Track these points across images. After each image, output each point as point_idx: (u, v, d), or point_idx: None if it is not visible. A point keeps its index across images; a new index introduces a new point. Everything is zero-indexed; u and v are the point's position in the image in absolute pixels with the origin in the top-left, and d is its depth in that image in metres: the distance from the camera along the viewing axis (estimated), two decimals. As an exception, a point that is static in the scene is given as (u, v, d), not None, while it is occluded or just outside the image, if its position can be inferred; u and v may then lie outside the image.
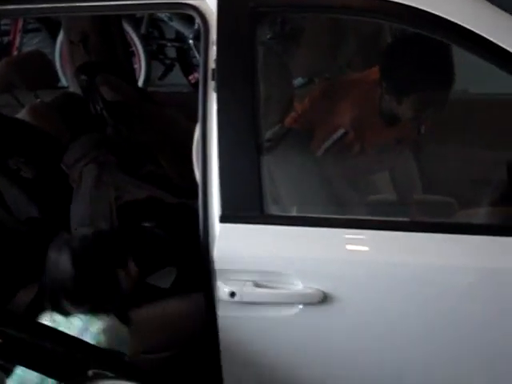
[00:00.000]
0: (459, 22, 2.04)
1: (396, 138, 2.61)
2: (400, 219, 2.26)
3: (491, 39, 2.02)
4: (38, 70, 3.62)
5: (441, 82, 2.43)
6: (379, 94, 2.49)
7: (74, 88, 3.97)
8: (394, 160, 2.68)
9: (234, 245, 2.17)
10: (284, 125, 2.47)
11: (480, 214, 2.34)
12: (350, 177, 2.55)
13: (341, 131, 2.52)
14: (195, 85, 5.71)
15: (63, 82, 5.57)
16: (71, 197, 3.08)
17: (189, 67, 6.32)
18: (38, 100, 3.70)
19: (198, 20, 2.21)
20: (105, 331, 2.26)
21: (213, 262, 2.16)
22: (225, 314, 2.19)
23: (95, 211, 2.94)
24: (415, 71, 2.44)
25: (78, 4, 2.33)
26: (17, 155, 3.15)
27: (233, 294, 2.15)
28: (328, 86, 2.75)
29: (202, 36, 2.19)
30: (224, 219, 2.17)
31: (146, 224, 2.99)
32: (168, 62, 6.56)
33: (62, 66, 6.21)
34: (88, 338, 2.22)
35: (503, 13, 2.07)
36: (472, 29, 2.03)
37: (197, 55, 5.91)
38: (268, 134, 2.29)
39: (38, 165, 3.16)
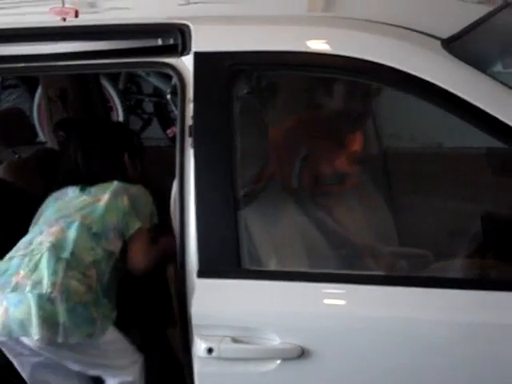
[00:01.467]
0: (432, 80, 2.08)
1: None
2: (376, 273, 2.28)
3: (461, 95, 2.06)
4: (16, 126, 3.64)
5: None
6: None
7: (52, 144, 3.99)
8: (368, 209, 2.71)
9: (211, 300, 2.17)
10: (261, 179, 2.49)
11: (455, 267, 2.35)
12: (326, 228, 2.57)
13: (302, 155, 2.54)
14: (173, 139, 5.73)
15: (41, 137, 5.59)
16: None
17: (167, 121, 6.37)
18: (16, 156, 3.71)
19: (174, 78, 2.24)
20: None
21: (190, 317, 2.16)
22: (202, 370, 2.18)
23: None
24: None
25: (56, 63, 2.35)
26: None
27: (210, 350, 2.14)
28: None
29: (179, 93, 2.22)
30: (201, 274, 2.18)
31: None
32: (146, 116, 6.61)
33: (39, 121, 6.24)
34: None
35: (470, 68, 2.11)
36: (443, 86, 2.07)
37: (174, 109, 5.97)
38: (245, 189, 2.31)
39: (7, 225, 3.15)
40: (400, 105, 2.46)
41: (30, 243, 2.71)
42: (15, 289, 2.55)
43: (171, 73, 2.25)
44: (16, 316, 2.50)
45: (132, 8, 2.87)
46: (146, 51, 2.29)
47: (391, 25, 2.24)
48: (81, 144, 3.05)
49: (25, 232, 2.86)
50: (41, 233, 2.75)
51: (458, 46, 2.17)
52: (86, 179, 2.96)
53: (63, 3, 2.35)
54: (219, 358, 2.15)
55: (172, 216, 2.43)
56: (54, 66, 2.37)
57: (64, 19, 2.32)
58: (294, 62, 2.21)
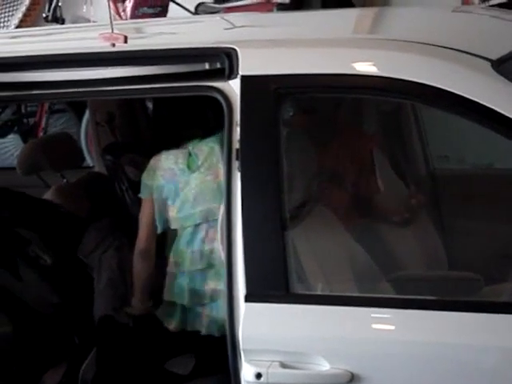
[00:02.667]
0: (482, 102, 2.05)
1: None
2: (426, 297, 2.25)
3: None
4: (64, 151, 3.68)
5: None
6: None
7: (99, 168, 4.02)
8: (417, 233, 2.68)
9: (259, 325, 2.16)
10: (308, 202, 2.48)
11: (506, 291, 2.31)
12: (375, 252, 2.55)
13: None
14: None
15: (89, 161, 5.65)
16: (90, 283, 3.11)
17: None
18: (64, 180, 3.75)
19: (221, 102, 2.25)
20: None
21: (238, 342, 2.15)
22: (251, 395, 2.17)
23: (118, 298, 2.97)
24: None
25: (103, 88, 2.38)
26: (35, 241, 3.18)
27: (259, 376, 2.12)
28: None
29: (225, 117, 2.23)
30: (249, 298, 2.17)
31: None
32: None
33: (87, 146, 6.31)
34: None
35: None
36: (490, 106, 2.05)
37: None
38: (292, 212, 2.30)
39: (56, 250, 3.19)
40: (450, 127, 2.44)
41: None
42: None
43: (218, 96, 2.26)
44: None
45: (179, 33, 2.90)
46: (194, 75, 2.30)
47: (439, 46, 2.22)
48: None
49: (71, 253, 2.90)
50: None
51: (508, 67, 2.15)
52: None
53: (112, 29, 2.37)
54: (268, 383, 2.13)
55: (219, 240, 2.43)
56: (102, 90, 2.40)
57: (113, 45, 2.34)
58: (340, 84, 2.21)
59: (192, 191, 2.84)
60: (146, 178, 2.95)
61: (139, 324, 3.00)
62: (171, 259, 2.91)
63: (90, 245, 3.23)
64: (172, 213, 2.89)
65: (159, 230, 2.92)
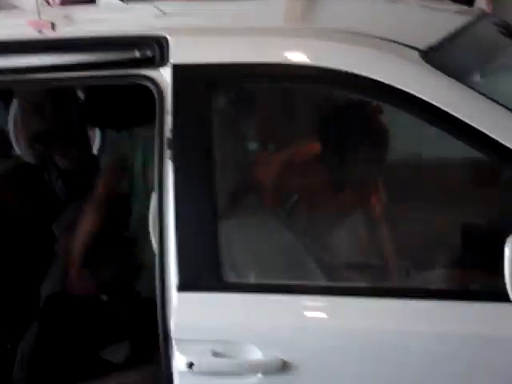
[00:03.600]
0: (408, 90, 2.08)
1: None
2: (357, 284, 2.27)
3: (440, 106, 2.06)
4: None
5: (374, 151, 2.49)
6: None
7: (27, 157, 3.95)
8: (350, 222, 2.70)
9: (191, 314, 2.15)
10: (241, 191, 2.48)
11: (435, 278, 2.35)
12: (308, 240, 2.56)
13: (295, 196, 2.54)
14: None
15: (17, 150, 5.53)
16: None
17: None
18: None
19: (153, 90, 2.22)
20: None
21: (170, 331, 2.14)
22: (184, 384, 2.16)
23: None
24: (351, 138, 2.49)
25: (31, 76, 2.33)
26: None
27: (191, 365, 2.12)
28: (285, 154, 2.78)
29: (157, 106, 2.21)
30: (181, 288, 2.16)
31: (103, 297, 2.98)
32: (123, 128, 6.56)
33: (15, 134, 6.17)
34: None
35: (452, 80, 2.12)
36: (421, 96, 2.08)
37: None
38: (225, 201, 2.30)
39: None
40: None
41: None
42: None
43: (150, 85, 2.23)
44: None
45: (108, 20, 2.86)
46: (123, 64, 2.27)
47: (369, 35, 2.24)
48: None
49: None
50: None
51: (436, 56, 2.18)
52: None
53: (39, 16, 2.33)
54: (200, 373, 2.13)
55: (151, 229, 2.41)
56: (30, 79, 2.35)
57: (40, 31, 2.30)
58: (273, 73, 2.21)
59: None
60: None
61: (84, 305, 2.98)
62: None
63: (64, 223, 3.20)
64: None
65: None
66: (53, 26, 2.30)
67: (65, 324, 2.91)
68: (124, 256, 3.18)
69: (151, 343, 2.51)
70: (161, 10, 2.62)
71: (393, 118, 2.36)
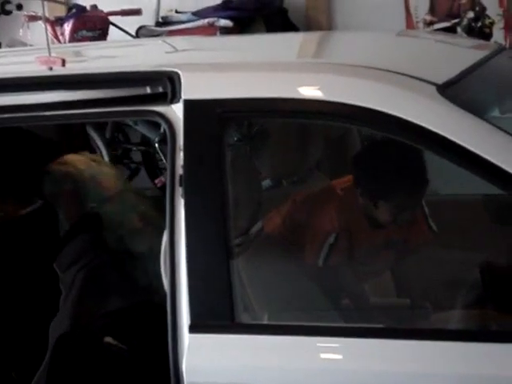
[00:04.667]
0: (428, 127, 2.04)
1: (384, 241, 2.59)
2: (373, 325, 2.22)
3: (458, 142, 2.02)
4: None
5: (414, 184, 2.44)
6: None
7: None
8: (383, 264, 2.65)
9: (204, 356, 2.10)
10: (253, 229, 2.45)
11: (455, 318, 2.30)
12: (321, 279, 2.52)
13: (333, 236, 2.50)
14: (161, 188, 5.69)
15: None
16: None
17: (154, 171, 6.31)
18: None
19: (164, 126, 2.19)
20: None
21: (182, 374, 2.09)
22: (196, 429, 2.10)
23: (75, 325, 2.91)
24: (388, 175, 2.44)
25: (42, 114, 2.30)
26: None
27: (204, 409, 2.07)
28: (309, 193, 2.75)
29: (168, 142, 2.18)
30: (193, 329, 2.11)
31: (109, 339, 2.93)
32: (133, 165, 6.55)
33: (26, 171, 6.17)
34: None
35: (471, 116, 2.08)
36: (440, 132, 2.03)
37: (163, 158, 5.93)
38: (238, 239, 2.26)
39: None
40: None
41: None
42: None
43: (160, 121, 2.20)
44: None
45: (119, 56, 2.85)
46: (135, 100, 2.25)
47: (384, 70, 2.21)
48: None
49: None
50: None
51: (453, 91, 2.14)
52: None
53: (49, 52, 2.30)
54: (213, 417, 2.07)
55: (162, 268, 2.37)
56: (40, 116, 2.33)
57: (51, 68, 2.28)
58: (285, 108, 2.17)
59: None
60: None
61: (88, 349, 2.94)
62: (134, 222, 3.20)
63: (68, 258, 3.17)
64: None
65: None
66: (63, 62, 2.28)
67: (73, 367, 2.87)
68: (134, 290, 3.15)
69: None
70: (172, 46, 2.61)
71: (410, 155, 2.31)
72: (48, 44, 2.36)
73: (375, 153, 2.44)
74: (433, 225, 2.60)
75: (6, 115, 2.34)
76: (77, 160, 3.40)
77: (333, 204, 2.58)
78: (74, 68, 2.40)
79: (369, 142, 2.56)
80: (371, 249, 2.60)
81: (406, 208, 2.53)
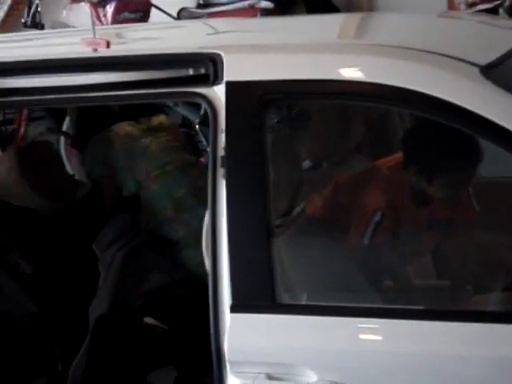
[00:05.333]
0: (470, 108, 2.03)
1: (429, 220, 2.59)
2: (414, 307, 2.22)
3: (501, 123, 2.01)
4: (44, 160, 3.62)
5: (469, 160, 2.43)
6: (407, 177, 2.48)
7: (79, 176, 3.97)
8: (427, 244, 2.65)
9: (245, 335, 2.12)
10: (295, 210, 2.45)
11: (496, 300, 2.29)
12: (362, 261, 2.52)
13: (379, 214, 2.50)
14: (202, 169, 5.70)
15: (69, 170, 5.57)
16: (79, 286, 3.07)
17: (195, 152, 6.34)
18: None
19: (206, 108, 2.21)
20: None
21: (224, 353, 2.11)
22: (237, 407, 2.13)
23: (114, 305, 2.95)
24: (442, 152, 2.44)
25: (86, 94, 2.33)
26: (16, 249, 3.14)
27: (245, 388, 2.09)
28: (352, 174, 2.75)
29: (210, 124, 2.19)
30: (235, 309, 2.13)
31: (149, 320, 2.97)
32: (174, 147, 6.58)
33: (67, 154, 6.23)
34: None
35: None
36: (481, 113, 2.02)
37: (203, 140, 5.95)
38: (279, 220, 2.27)
39: (37, 259, 3.14)
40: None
41: None
42: None
43: (203, 103, 2.22)
44: None
45: (161, 38, 2.86)
46: (178, 81, 2.26)
47: (427, 51, 2.20)
48: None
49: (54, 261, 2.87)
50: None
51: (496, 73, 2.12)
52: None
53: (94, 34, 2.33)
54: (254, 396, 2.09)
55: (204, 249, 2.39)
56: (85, 97, 2.35)
57: (95, 50, 2.30)
58: (326, 90, 2.18)
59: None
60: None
61: (129, 329, 2.97)
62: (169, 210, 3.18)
63: (107, 238, 3.20)
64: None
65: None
66: (108, 44, 2.30)
67: (113, 347, 2.90)
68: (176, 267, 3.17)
69: (198, 367, 2.49)
70: (213, 28, 2.61)
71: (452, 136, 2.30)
72: (93, 25, 2.38)
73: (429, 130, 2.42)
74: (476, 206, 2.59)
75: (51, 96, 2.37)
76: (120, 135, 3.40)
77: (378, 183, 2.57)
78: (117, 50, 2.41)
79: (419, 121, 2.53)
80: (416, 228, 2.60)
81: (459, 184, 2.53)
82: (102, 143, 3.39)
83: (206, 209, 2.20)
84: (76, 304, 3.07)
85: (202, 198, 2.67)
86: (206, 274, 2.22)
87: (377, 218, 2.50)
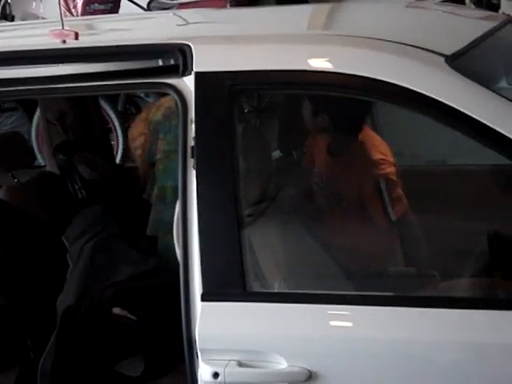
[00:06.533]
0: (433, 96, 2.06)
1: None
2: (383, 293, 2.25)
3: (466, 112, 2.04)
4: (14, 150, 3.61)
5: None
6: None
7: (51, 167, 3.96)
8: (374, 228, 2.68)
9: (216, 323, 2.13)
10: (265, 199, 2.47)
11: (462, 286, 2.32)
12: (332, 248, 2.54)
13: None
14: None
15: (40, 161, 5.56)
16: (49, 276, 3.06)
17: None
18: (15, 180, 3.69)
19: (176, 98, 2.22)
20: None
21: (195, 341, 2.13)
22: (208, 395, 2.14)
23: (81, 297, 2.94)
24: None
25: (55, 86, 2.33)
26: None
27: (216, 375, 2.10)
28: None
29: (180, 114, 2.20)
30: (206, 297, 2.14)
31: (117, 311, 2.97)
32: (145, 137, 6.57)
33: (38, 145, 6.22)
34: None
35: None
36: (447, 102, 2.05)
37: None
38: (249, 209, 2.28)
39: (7, 248, 3.13)
40: (403, 122, 2.44)
41: None
42: None
43: (172, 93, 2.23)
44: None
45: (131, 29, 2.86)
46: (147, 72, 2.27)
47: (393, 42, 2.22)
48: None
49: (24, 252, 2.86)
50: None
51: (462, 62, 2.15)
52: None
53: (63, 25, 2.33)
54: (225, 383, 2.11)
55: (175, 238, 2.40)
56: (54, 88, 2.35)
57: (64, 41, 2.30)
58: (295, 80, 2.19)
59: None
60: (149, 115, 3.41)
61: (97, 320, 2.97)
62: (155, 192, 3.26)
63: (77, 230, 3.19)
64: (161, 146, 3.31)
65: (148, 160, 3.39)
66: (76, 35, 2.30)
67: (81, 339, 2.90)
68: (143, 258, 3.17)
69: (167, 356, 2.49)
70: (183, 19, 2.62)
71: (418, 125, 2.33)
72: (61, 17, 2.38)
73: None
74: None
75: (20, 87, 2.36)
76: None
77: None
78: (86, 41, 2.42)
79: None
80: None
81: None
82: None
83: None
84: (47, 295, 3.06)
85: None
86: (177, 263, 2.23)
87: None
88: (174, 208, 2.78)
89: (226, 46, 2.30)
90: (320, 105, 2.66)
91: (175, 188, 2.93)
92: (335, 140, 2.75)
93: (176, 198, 2.83)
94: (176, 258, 2.25)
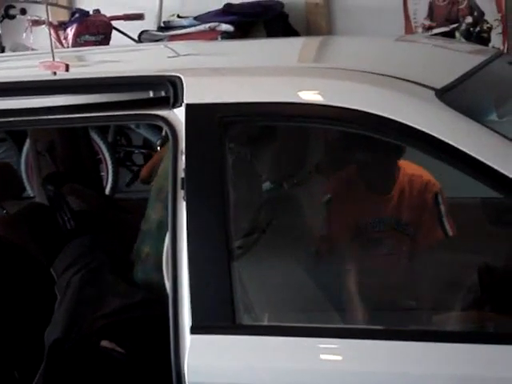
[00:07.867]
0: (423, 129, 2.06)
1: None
2: (373, 327, 2.24)
3: (456, 146, 2.04)
4: (3, 181, 3.60)
5: None
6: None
7: (40, 198, 3.94)
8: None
9: (205, 357, 2.12)
10: (255, 231, 2.47)
11: (453, 320, 2.32)
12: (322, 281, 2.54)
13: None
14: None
15: (29, 192, 5.55)
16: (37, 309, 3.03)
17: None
18: (4, 211, 3.67)
19: (166, 130, 2.22)
20: None
21: (184, 375, 2.11)
22: (197, 429, 2.12)
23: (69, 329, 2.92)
24: None
25: (45, 117, 2.33)
26: None
27: (206, 409, 2.09)
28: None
29: (170, 146, 2.20)
30: (195, 330, 2.13)
31: (105, 343, 2.94)
32: (135, 168, 6.58)
33: (27, 175, 6.19)
34: None
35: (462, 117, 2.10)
36: (437, 135, 2.06)
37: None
38: (239, 241, 2.28)
39: None
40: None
41: None
42: None
43: (163, 125, 2.23)
44: None
45: (122, 61, 2.87)
46: (138, 104, 2.27)
47: (384, 75, 2.23)
48: None
49: (16, 284, 2.83)
50: None
51: (452, 95, 2.16)
52: None
53: (53, 57, 2.33)
54: (214, 417, 2.09)
55: (164, 270, 2.39)
56: (44, 119, 2.35)
57: (54, 73, 2.30)
58: (286, 112, 2.20)
59: None
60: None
61: (84, 353, 2.95)
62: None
63: (65, 261, 3.16)
64: None
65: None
66: (67, 67, 2.30)
67: (68, 372, 2.87)
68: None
69: None
70: (174, 51, 2.63)
71: (408, 158, 2.34)
72: (52, 49, 2.38)
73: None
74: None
75: (10, 119, 2.36)
76: None
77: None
78: (77, 72, 2.42)
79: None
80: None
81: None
82: None
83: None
84: (34, 327, 3.04)
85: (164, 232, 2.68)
86: (166, 296, 2.22)
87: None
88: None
89: (216, 78, 2.31)
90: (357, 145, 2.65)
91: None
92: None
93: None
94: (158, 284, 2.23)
